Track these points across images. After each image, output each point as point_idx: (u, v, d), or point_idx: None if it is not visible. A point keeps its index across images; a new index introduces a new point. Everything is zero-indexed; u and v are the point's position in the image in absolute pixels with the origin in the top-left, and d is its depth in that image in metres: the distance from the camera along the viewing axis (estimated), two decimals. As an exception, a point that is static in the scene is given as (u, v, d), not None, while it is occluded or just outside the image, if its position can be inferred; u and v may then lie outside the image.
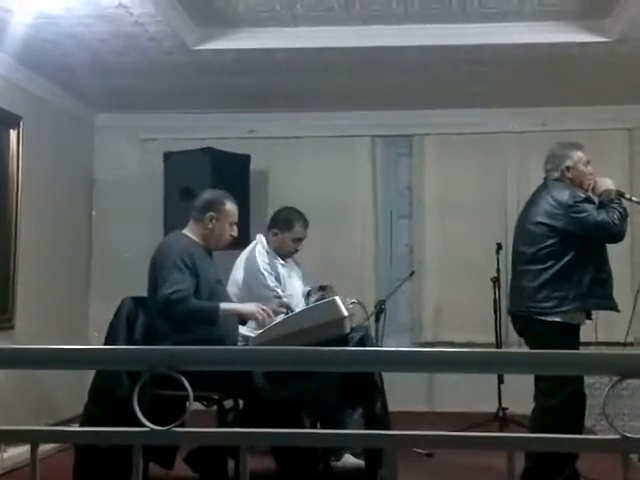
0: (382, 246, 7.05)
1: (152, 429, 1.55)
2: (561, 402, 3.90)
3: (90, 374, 3.79)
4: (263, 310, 3.88)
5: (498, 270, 5.87)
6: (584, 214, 4.01)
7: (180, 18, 4.94)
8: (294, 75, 5.86)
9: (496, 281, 5.85)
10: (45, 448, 4.35)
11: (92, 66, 5.56)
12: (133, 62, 5.50)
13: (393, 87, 6.14)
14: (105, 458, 3.24)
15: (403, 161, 7.18)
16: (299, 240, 4.92)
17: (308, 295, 4.89)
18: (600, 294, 4.08)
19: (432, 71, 5.77)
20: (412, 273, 6.37)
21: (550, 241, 4.07)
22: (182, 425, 1.60)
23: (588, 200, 4.10)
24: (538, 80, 5.99)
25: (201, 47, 5.27)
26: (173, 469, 3.88)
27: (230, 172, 6.14)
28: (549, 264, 4.05)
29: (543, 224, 4.09)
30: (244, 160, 6.47)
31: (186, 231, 4.06)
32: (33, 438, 1.61)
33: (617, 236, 4.06)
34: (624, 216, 4.03)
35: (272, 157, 6.86)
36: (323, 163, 6.91)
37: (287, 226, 4.87)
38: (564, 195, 4.07)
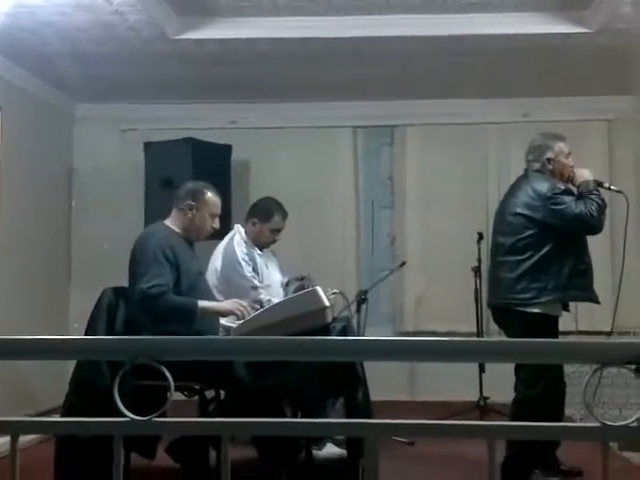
0: (363, 236, 7.06)
1: (132, 419, 1.55)
2: (541, 392, 3.92)
3: (70, 365, 3.76)
4: (242, 306, 3.87)
5: (479, 260, 5.88)
6: (562, 206, 4.01)
7: (160, 7, 4.91)
8: (276, 65, 5.84)
9: (477, 271, 5.87)
10: (26, 439, 4.32)
11: (71, 56, 5.51)
12: (113, 52, 5.47)
13: (375, 77, 6.14)
14: (86, 449, 3.23)
15: (385, 151, 7.18)
16: (277, 231, 4.93)
17: (286, 285, 4.90)
18: (579, 285, 4.09)
19: (414, 62, 5.77)
20: (403, 263, 6.33)
21: (529, 232, 4.08)
22: (163, 415, 1.60)
23: (567, 192, 4.10)
24: (519, 71, 6.00)
25: (182, 37, 5.24)
26: (155, 459, 3.87)
27: (211, 162, 6.12)
28: (527, 255, 4.06)
29: (522, 215, 4.10)
30: (225, 150, 6.45)
31: (167, 222, 4.03)
32: (13, 429, 1.60)
33: (595, 228, 4.08)
34: (602, 207, 4.04)
35: (253, 147, 6.84)
36: (305, 154, 6.90)
37: (266, 216, 4.87)
38: (543, 187, 4.07)
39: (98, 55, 5.52)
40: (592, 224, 4.02)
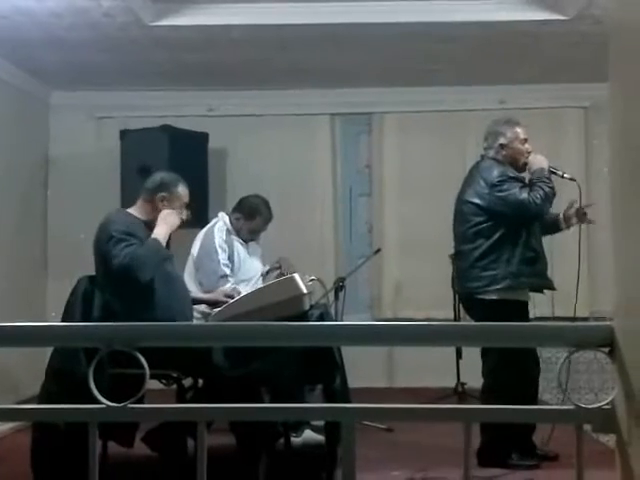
0: (341, 224, 7.06)
1: (108, 406, 1.55)
2: (502, 380, 3.92)
3: (47, 353, 3.74)
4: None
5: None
6: (506, 193, 4.04)
7: (135, -7, 4.87)
8: (252, 52, 5.81)
9: (454, 258, 5.89)
10: (1, 428, 4.32)
11: (46, 42, 5.46)
12: (88, 38, 5.41)
13: (352, 64, 6.13)
14: (63, 437, 3.22)
15: (362, 139, 7.18)
16: (257, 232, 4.97)
17: (267, 274, 4.92)
18: (528, 272, 4.09)
19: (390, 48, 5.76)
20: (378, 250, 6.36)
21: (477, 219, 4.11)
22: (140, 403, 1.59)
23: (515, 179, 4.11)
24: (495, 58, 6.02)
25: (157, 23, 5.20)
26: (133, 448, 3.86)
27: (188, 150, 6.10)
28: (478, 243, 4.10)
29: (471, 203, 4.14)
30: (202, 138, 6.42)
31: (132, 210, 3.99)
32: (-14, 416, 1.59)
33: (536, 215, 4.09)
34: (549, 195, 4.04)
35: (231, 135, 6.81)
36: (282, 141, 6.88)
37: (249, 216, 4.92)
38: (491, 174, 4.10)
39: (73, 41, 5.46)
40: (533, 211, 4.03)
